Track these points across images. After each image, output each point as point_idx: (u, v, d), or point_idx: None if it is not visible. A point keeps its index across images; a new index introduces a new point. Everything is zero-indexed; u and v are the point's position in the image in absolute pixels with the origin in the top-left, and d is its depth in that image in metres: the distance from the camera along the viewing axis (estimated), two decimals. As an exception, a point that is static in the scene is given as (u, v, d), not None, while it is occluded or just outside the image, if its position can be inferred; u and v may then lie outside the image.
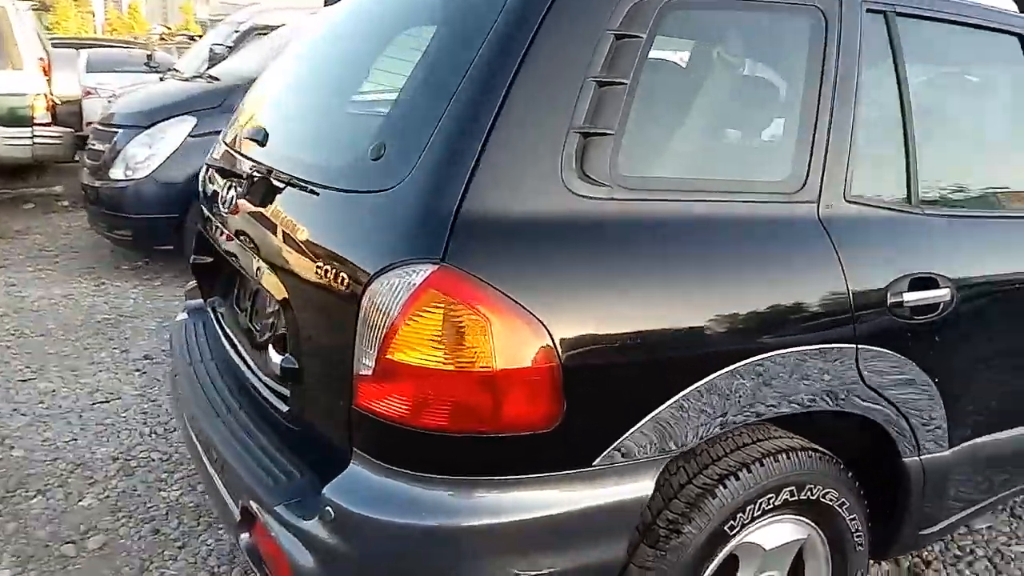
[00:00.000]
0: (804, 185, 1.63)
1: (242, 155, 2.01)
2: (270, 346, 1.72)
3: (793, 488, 1.62)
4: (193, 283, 2.46)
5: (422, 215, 1.34)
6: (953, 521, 2.04)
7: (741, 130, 1.91)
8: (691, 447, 1.50)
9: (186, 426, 2.00)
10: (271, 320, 1.84)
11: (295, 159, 1.78)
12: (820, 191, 1.65)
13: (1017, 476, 2.19)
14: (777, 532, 1.67)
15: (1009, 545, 2.61)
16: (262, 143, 1.89)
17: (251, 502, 1.52)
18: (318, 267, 1.46)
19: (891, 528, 1.88)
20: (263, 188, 1.75)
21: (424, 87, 1.52)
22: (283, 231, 1.65)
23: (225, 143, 2.22)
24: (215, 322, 2.23)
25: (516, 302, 1.31)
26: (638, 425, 1.43)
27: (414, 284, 1.29)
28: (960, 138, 2.19)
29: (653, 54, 1.50)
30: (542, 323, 1.32)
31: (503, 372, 1.32)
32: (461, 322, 1.30)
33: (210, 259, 2.26)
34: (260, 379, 1.81)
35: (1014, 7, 2.25)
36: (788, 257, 1.62)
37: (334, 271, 1.42)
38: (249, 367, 1.89)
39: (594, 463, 1.41)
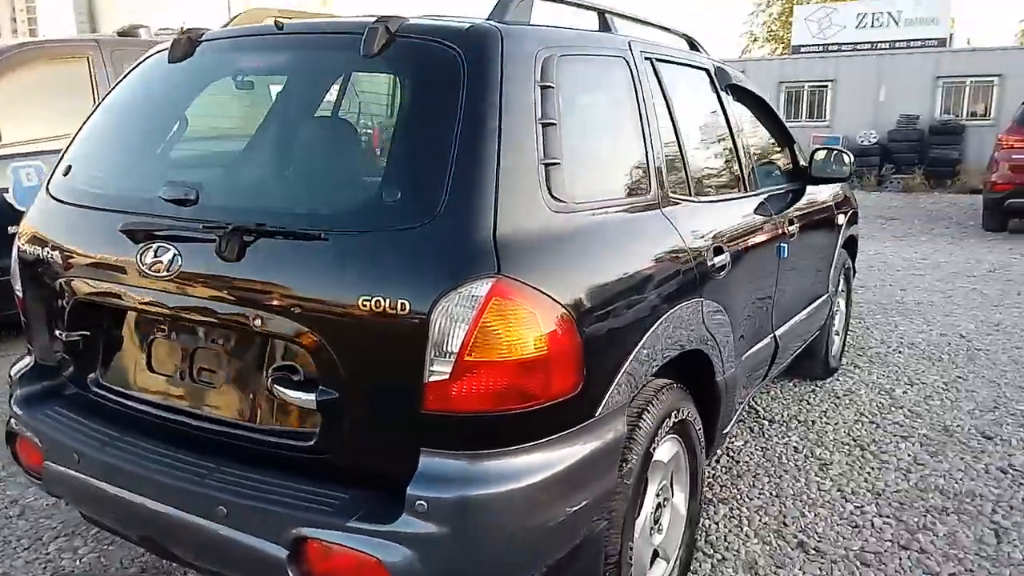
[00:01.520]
0: (651, 192, 2.23)
1: (166, 215, 1.88)
2: (280, 389, 1.74)
3: (673, 413, 2.12)
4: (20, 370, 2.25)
5: (472, 240, 1.61)
6: (734, 420, 2.76)
7: (618, 156, 2.30)
8: (636, 394, 1.95)
9: (137, 509, 1.84)
10: (264, 366, 1.82)
11: (266, 211, 1.82)
12: (658, 195, 2.25)
13: (756, 378, 3.07)
14: (667, 449, 2.20)
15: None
16: (193, 201, 1.85)
17: (305, 530, 1.61)
18: (363, 301, 1.59)
19: (708, 432, 2.45)
20: (236, 243, 1.71)
21: (416, 144, 1.78)
22: (294, 279, 1.70)
23: (102, 208, 2.05)
24: (106, 398, 2.07)
25: (549, 296, 1.66)
26: (616, 380, 1.86)
27: (481, 296, 1.56)
28: (702, 144, 2.86)
29: (561, 98, 1.90)
30: (566, 310, 1.69)
31: (551, 354, 1.65)
32: (520, 320, 1.60)
33: (88, 332, 2.07)
34: (251, 428, 1.84)
35: (686, 45, 3.10)
36: (662, 240, 2.19)
37: (386, 301, 1.57)
38: (216, 424, 1.88)
39: (595, 415, 1.80)
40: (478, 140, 1.66)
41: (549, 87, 1.86)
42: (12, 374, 2.27)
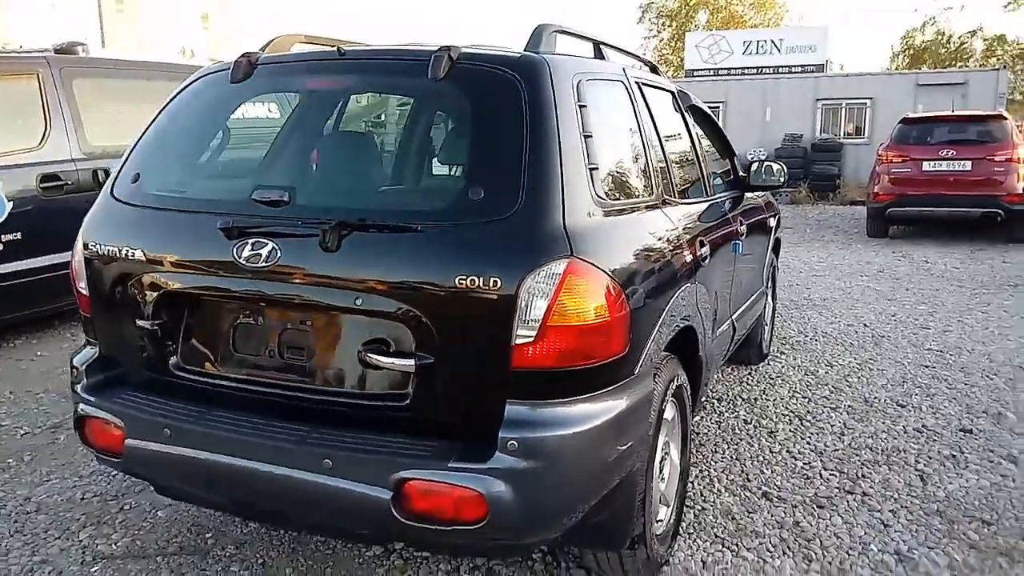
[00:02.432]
0: (653, 194, 2.62)
1: (259, 215, 2.11)
2: (376, 357, 2.00)
3: (674, 379, 2.50)
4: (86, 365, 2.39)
5: (548, 229, 1.97)
6: (708, 386, 3.21)
7: (630, 163, 2.69)
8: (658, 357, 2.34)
9: (237, 472, 2.05)
10: (357, 339, 2.06)
11: (360, 209, 2.07)
12: (659, 196, 2.66)
13: (721, 356, 3.54)
14: (669, 410, 2.55)
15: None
16: (286, 202, 2.11)
17: (407, 472, 1.88)
18: (459, 279, 1.89)
19: (693, 398, 2.85)
20: (336, 237, 1.97)
21: (492, 152, 2.11)
22: (393, 265, 1.97)
23: (186, 210, 2.27)
24: (188, 379, 2.26)
25: (607, 273, 2.02)
26: (647, 346, 2.22)
27: (559, 273, 1.92)
28: (678, 155, 3.24)
29: (590, 115, 2.26)
30: (619, 283, 2.07)
31: (612, 320, 2.01)
32: (588, 292, 1.96)
33: (170, 321, 2.27)
34: (344, 394, 2.11)
35: (649, 71, 3.43)
36: (668, 234, 2.59)
37: (480, 279, 1.88)
38: (308, 394, 2.13)
39: (635, 373, 2.16)
40: (543, 149, 2.01)
41: (584, 106, 2.23)
42: (78, 365, 2.42)
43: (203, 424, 2.12)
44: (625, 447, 2.11)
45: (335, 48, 2.32)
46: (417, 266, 1.96)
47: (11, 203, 4.86)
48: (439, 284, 1.93)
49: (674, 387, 2.51)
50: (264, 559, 2.70)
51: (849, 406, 4.21)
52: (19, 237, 4.93)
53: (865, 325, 6.01)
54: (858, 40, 55.39)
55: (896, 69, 29.75)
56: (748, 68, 19.65)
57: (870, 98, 17.62)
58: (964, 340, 5.57)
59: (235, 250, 2.08)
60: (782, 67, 19.43)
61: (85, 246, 2.38)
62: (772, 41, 19.60)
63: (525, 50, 2.30)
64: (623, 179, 2.50)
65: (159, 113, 2.55)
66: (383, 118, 3.61)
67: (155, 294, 2.24)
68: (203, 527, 2.92)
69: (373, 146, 2.62)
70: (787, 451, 3.62)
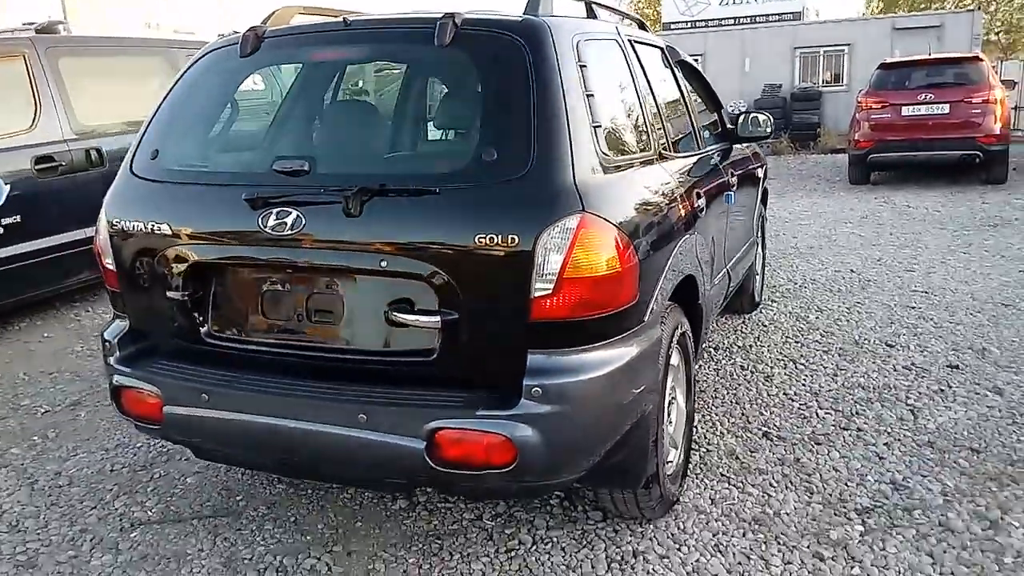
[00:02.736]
0: (651, 149, 2.73)
1: (286, 185, 2.20)
2: (402, 316, 2.13)
3: (678, 326, 2.64)
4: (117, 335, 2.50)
5: (561, 187, 2.07)
6: (708, 333, 3.44)
7: (628, 119, 2.77)
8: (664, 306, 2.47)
9: (276, 431, 2.17)
10: (382, 300, 2.18)
11: (380, 175, 2.20)
12: (656, 151, 2.77)
13: (718, 304, 3.67)
14: (675, 356, 2.69)
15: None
16: (306, 171, 2.20)
17: (439, 422, 2.01)
18: (478, 238, 2.00)
19: (695, 345, 2.98)
20: (358, 202, 2.07)
21: (502, 114, 2.20)
22: (414, 227, 2.08)
23: (208, 183, 2.37)
24: (219, 346, 2.37)
25: (615, 226, 2.13)
26: (655, 295, 2.36)
27: (573, 228, 2.04)
28: (671, 110, 3.34)
29: (590, 74, 2.36)
30: (627, 236, 2.18)
31: (623, 271, 2.15)
32: (600, 245, 2.08)
33: (200, 291, 2.37)
34: (373, 352, 2.24)
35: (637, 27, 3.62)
36: (667, 188, 2.71)
37: (498, 236, 2.00)
38: (337, 354, 2.26)
39: (644, 321, 2.29)
40: (550, 109, 2.11)
41: (584, 66, 2.32)
42: (109, 338, 2.52)
43: (239, 387, 2.23)
44: (638, 390, 2.24)
45: (340, 19, 2.38)
46: (438, 227, 2.07)
47: (8, 186, 4.88)
48: (460, 243, 2.04)
49: (678, 334, 2.64)
50: (295, 516, 2.83)
51: (840, 348, 4.38)
52: (18, 220, 4.96)
53: (852, 270, 6.17)
54: (833, -14, 54.97)
55: (872, 14, 29.67)
56: (725, 19, 19.62)
57: (848, 44, 17.64)
58: (948, 281, 5.74)
59: (260, 219, 2.17)
60: (759, 16, 19.41)
61: (110, 223, 2.46)
62: (748, -10, 19.58)
63: (524, 13, 2.37)
64: (623, 135, 2.60)
65: (171, 89, 2.61)
66: (361, 85, 3.67)
67: (183, 266, 2.33)
68: (232, 491, 3.04)
69: (385, 113, 2.70)
70: (784, 393, 3.78)
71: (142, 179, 2.46)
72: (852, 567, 2.45)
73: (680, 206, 2.72)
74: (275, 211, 2.15)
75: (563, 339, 2.07)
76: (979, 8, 18.35)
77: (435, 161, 2.30)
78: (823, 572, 2.43)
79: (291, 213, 2.14)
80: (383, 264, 2.11)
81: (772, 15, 19.30)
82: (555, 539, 2.64)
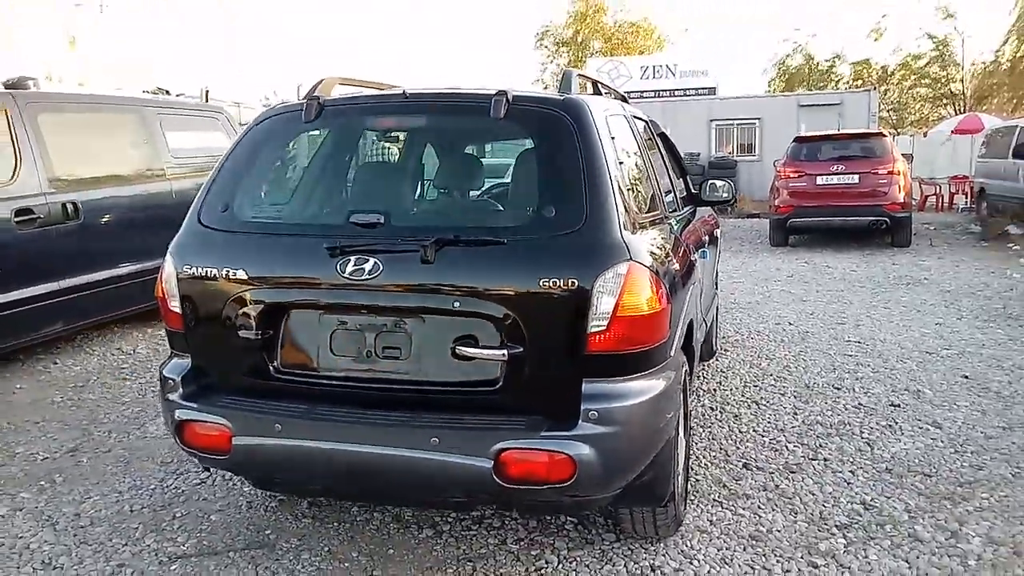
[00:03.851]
0: (658, 210, 3.10)
1: (365, 235, 2.46)
2: (470, 350, 2.38)
3: (683, 364, 2.95)
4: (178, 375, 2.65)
5: (611, 239, 2.42)
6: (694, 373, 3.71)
7: (642, 184, 3.13)
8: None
9: (349, 457, 2.39)
10: (448, 336, 2.42)
11: (449, 227, 2.50)
12: (662, 212, 3.18)
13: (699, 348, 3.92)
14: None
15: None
16: (381, 223, 2.48)
17: (505, 443, 2.27)
18: (542, 281, 2.31)
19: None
20: (434, 251, 2.35)
21: (557, 178, 2.55)
22: (483, 271, 2.38)
23: (284, 234, 2.65)
24: (288, 381, 2.57)
25: (655, 274, 2.47)
26: (676, 334, 2.70)
27: (623, 274, 2.37)
28: (661, 176, 3.68)
29: (616, 146, 2.74)
30: (662, 283, 2.49)
31: (660, 311, 2.48)
32: (645, 288, 2.41)
33: (272, 331, 2.56)
34: (441, 383, 2.47)
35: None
36: (675, 243, 3.10)
37: (560, 280, 2.31)
38: (405, 385, 2.48)
39: (670, 355, 2.62)
40: (597, 174, 2.46)
41: (613, 138, 2.69)
42: (172, 376, 2.67)
43: (311, 417, 2.43)
44: (669, 415, 2.56)
45: (400, 91, 2.70)
46: (504, 272, 2.37)
47: (-10, 238, 4.90)
48: (525, 286, 2.34)
49: (685, 371, 2.99)
50: (328, 547, 3.00)
51: (794, 391, 4.82)
52: (-2, 271, 4.97)
53: (790, 323, 6.72)
54: (737, 66, 58.93)
55: (773, 92, 31.86)
56: (646, 91, 20.81)
57: (758, 118, 18.97)
58: (876, 332, 6.34)
59: (338, 266, 2.42)
60: (678, 90, 20.69)
61: (178, 269, 2.64)
62: (667, 66, 20.89)
63: (559, 92, 2.74)
64: (641, 197, 2.96)
65: (234, 148, 2.83)
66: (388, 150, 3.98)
67: (257, 308, 2.54)
68: (259, 525, 3.18)
69: (454, 175, 3.01)
70: (753, 430, 4.17)
71: (213, 229, 2.66)
72: (843, 572, 2.79)
73: (683, 259, 3.09)
74: (353, 258, 2.40)
75: (613, 369, 2.38)
76: (874, 88, 20.07)
77: (499, 216, 2.61)
78: (819, 577, 2.77)
79: (368, 260, 2.39)
80: (456, 305, 2.38)
81: (690, 89, 20.61)
82: (578, 558, 2.89)
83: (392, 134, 3.14)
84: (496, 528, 3.10)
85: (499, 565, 2.86)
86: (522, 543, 3.00)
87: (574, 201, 2.42)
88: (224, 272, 2.56)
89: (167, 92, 8.69)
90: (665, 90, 20.85)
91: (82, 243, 5.57)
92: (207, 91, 14.81)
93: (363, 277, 2.40)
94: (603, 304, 2.33)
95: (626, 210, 2.54)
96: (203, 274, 2.60)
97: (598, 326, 2.33)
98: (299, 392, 2.55)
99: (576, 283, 2.31)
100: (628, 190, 2.65)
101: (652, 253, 2.60)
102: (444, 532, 3.08)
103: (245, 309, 2.55)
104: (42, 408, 4.69)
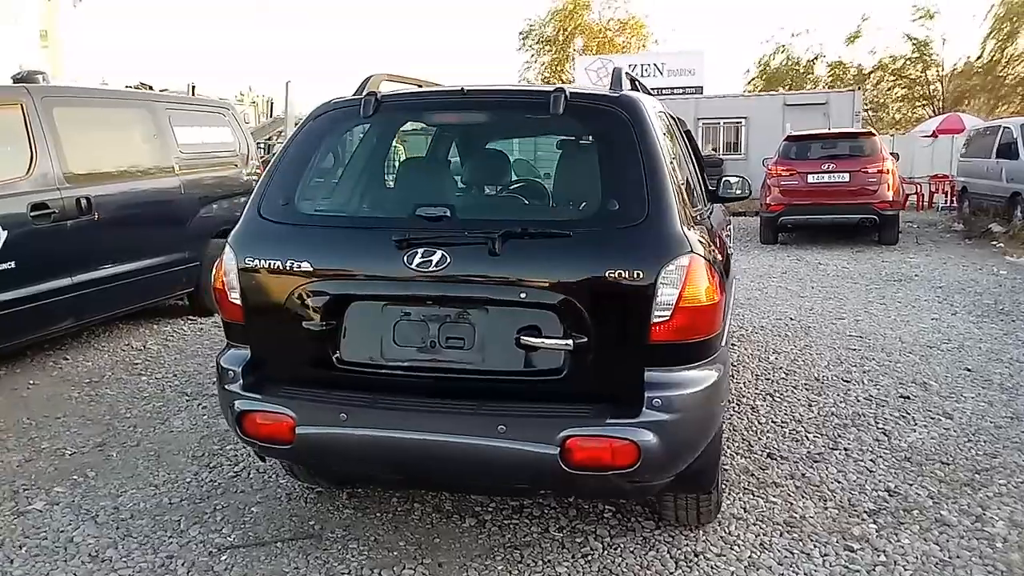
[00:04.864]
0: (704, 203, 3.34)
1: (431, 227, 2.51)
2: (536, 340, 2.44)
3: None
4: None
5: (673, 232, 2.48)
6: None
7: (688, 180, 3.23)
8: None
9: (416, 444, 2.42)
10: (512, 326, 2.47)
11: (514, 221, 2.53)
12: (704, 204, 3.29)
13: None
14: None
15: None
16: (448, 216, 2.55)
17: (572, 430, 2.33)
18: (608, 272, 2.38)
19: None
20: (501, 244, 2.40)
21: (620, 172, 2.58)
22: (550, 263, 2.43)
23: (349, 227, 2.73)
24: (351, 371, 2.60)
25: (711, 264, 2.54)
26: (726, 323, 2.79)
27: (686, 266, 2.43)
28: (695, 171, 3.86)
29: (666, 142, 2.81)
30: (719, 275, 2.56)
31: (717, 302, 2.54)
32: (704, 279, 2.48)
33: (335, 322, 2.59)
34: (505, 372, 2.52)
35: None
36: (719, 236, 3.27)
37: (626, 271, 2.38)
38: (470, 375, 2.53)
39: (722, 345, 2.70)
40: (657, 170, 2.54)
41: (664, 134, 2.75)
42: (231, 366, 2.71)
43: (378, 407, 2.48)
44: (722, 403, 2.64)
45: (460, 88, 2.75)
46: (570, 264, 2.43)
47: (6, 231, 4.88)
48: (592, 277, 2.40)
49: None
50: (375, 536, 3.05)
51: (805, 384, 4.93)
52: (12, 266, 4.94)
53: (791, 319, 6.84)
54: (721, 65, 59.61)
55: (754, 91, 32.18)
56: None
57: (744, 117, 19.19)
58: (875, 327, 6.48)
59: (405, 258, 2.46)
60: (665, 89, 20.80)
61: (241, 261, 2.67)
62: (655, 65, 21.07)
63: (610, 88, 2.81)
64: (691, 192, 3.04)
65: (291, 142, 2.87)
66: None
67: (322, 299, 2.57)
68: (302, 516, 3.22)
69: (509, 167, 3.06)
70: (771, 421, 4.27)
71: (275, 223, 2.69)
72: (879, 555, 2.89)
73: (723, 253, 3.18)
74: (421, 251, 2.45)
75: (674, 359, 2.45)
76: (859, 88, 20.36)
77: (563, 209, 2.67)
78: (857, 560, 2.86)
79: (436, 252, 2.44)
80: (522, 296, 2.44)
81: (677, 88, 20.79)
82: (622, 545, 2.97)
83: (450, 130, 3.19)
84: (537, 517, 3.17)
85: (545, 552, 2.93)
86: (565, 531, 3.07)
87: (636, 195, 2.48)
88: (288, 264, 2.59)
89: (150, 88, 8.63)
90: (653, 89, 20.90)
91: (94, 238, 5.55)
92: (193, 86, 14.70)
93: (430, 269, 2.45)
94: (666, 295, 2.39)
95: (682, 203, 2.61)
96: (266, 266, 2.63)
97: (661, 316, 2.40)
98: (362, 382, 2.59)
99: (641, 275, 2.38)
100: (681, 185, 2.72)
101: (706, 246, 2.67)
102: (487, 521, 3.14)
103: (308, 301, 2.59)
104: (60, 404, 4.69)
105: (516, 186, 3.27)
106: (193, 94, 11.28)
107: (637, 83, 3.45)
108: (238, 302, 2.70)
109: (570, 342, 2.43)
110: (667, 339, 2.42)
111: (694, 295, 2.43)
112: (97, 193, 5.59)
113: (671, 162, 2.69)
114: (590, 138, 2.72)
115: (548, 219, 2.61)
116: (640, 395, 2.38)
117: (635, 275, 2.38)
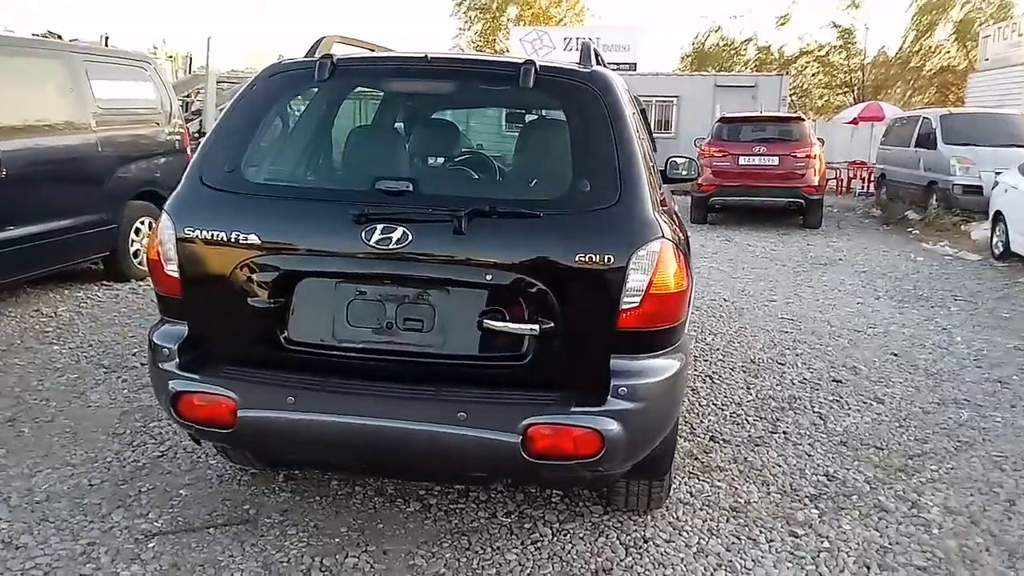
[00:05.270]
0: (662, 187, 3.05)
1: (393, 203, 2.37)
2: (499, 324, 2.33)
3: None
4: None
5: (645, 216, 2.39)
6: None
7: (651, 161, 3.13)
8: None
9: (370, 431, 2.30)
10: (474, 309, 2.36)
11: (484, 198, 2.44)
12: (661, 188, 3.06)
13: None
14: None
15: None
16: (410, 191, 2.41)
17: (534, 418, 2.22)
18: (578, 257, 2.28)
19: None
20: (466, 223, 2.27)
21: (591, 151, 2.48)
22: (518, 244, 2.32)
23: (297, 197, 2.53)
24: (300, 352, 2.46)
25: (682, 253, 2.48)
26: (688, 311, 2.66)
27: (656, 251, 2.35)
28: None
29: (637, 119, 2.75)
30: (687, 262, 2.50)
31: (684, 290, 2.47)
32: (674, 266, 2.40)
33: (283, 300, 2.44)
34: (466, 356, 2.41)
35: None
36: (678, 219, 3.09)
37: (596, 255, 2.28)
38: (429, 359, 2.40)
39: (684, 334, 2.65)
40: (629, 151, 2.45)
41: (634, 112, 2.66)
42: (165, 343, 2.50)
43: (329, 390, 2.33)
44: (682, 392, 2.60)
45: (423, 55, 2.59)
46: (540, 246, 2.33)
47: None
48: (561, 261, 2.30)
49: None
50: (314, 521, 2.91)
51: (742, 366, 4.99)
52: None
53: (725, 299, 6.93)
54: (660, 42, 60.09)
55: (685, 70, 32.55)
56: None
57: (676, 96, 19.33)
58: (805, 310, 6.62)
59: (363, 234, 2.31)
60: (599, 64, 20.85)
61: (179, 231, 2.46)
62: (591, 39, 20.96)
63: (579, 63, 2.70)
64: (655, 174, 2.96)
65: (235, 105, 2.65)
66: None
67: (270, 275, 2.40)
68: (235, 501, 3.05)
69: (470, 142, 2.90)
70: (713, 403, 4.29)
71: (219, 190, 2.49)
72: (823, 541, 2.92)
73: (686, 238, 3.11)
74: (380, 227, 2.30)
75: (640, 347, 2.39)
76: (786, 73, 20.78)
77: (531, 189, 2.56)
78: (801, 546, 2.88)
79: (397, 229, 2.30)
80: (488, 278, 2.32)
81: (611, 64, 20.73)
82: (571, 530, 2.92)
83: (412, 99, 3.01)
84: (484, 501, 3.09)
85: (494, 539, 2.85)
86: (512, 516, 3.00)
87: (608, 177, 2.39)
88: (233, 236, 2.40)
89: (59, 37, 8.06)
90: (586, 63, 20.90)
91: (1, 197, 5.14)
92: (106, 37, 13.83)
93: (390, 247, 2.31)
94: (636, 281, 2.32)
95: (652, 186, 2.54)
96: (207, 237, 2.43)
97: (630, 303, 2.33)
98: (312, 364, 2.44)
99: (612, 259, 2.30)
100: (650, 168, 2.64)
101: (673, 231, 2.60)
102: (432, 506, 3.04)
103: (254, 276, 2.41)
104: (-36, 374, 4.35)
105: (477, 161, 3.12)
106: (106, 45, 10.60)
107: (600, 59, 3.35)
108: (175, 274, 2.50)
109: (535, 327, 2.33)
110: (635, 326, 2.35)
111: (663, 281, 2.36)
112: (4, 148, 5.17)
113: (641, 142, 2.60)
114: (561, 114, 2.61)
115: (516, 198, 2.49)
116: (605, 383, 2.31)
117: (606, 260, 2.30)
